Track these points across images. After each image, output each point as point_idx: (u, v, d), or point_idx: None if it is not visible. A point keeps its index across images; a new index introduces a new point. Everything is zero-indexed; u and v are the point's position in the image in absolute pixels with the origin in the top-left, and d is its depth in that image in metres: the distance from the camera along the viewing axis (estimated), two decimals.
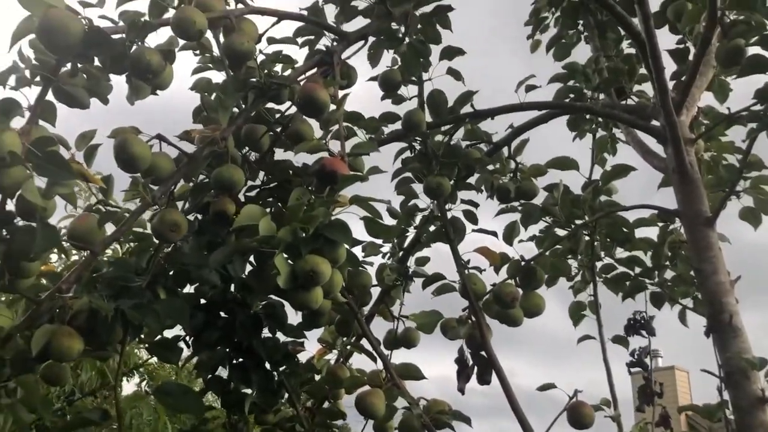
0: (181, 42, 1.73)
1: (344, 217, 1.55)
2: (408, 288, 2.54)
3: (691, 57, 2.41)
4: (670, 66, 2.64)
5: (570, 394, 1.98)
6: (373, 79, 2.38)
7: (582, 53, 3.20)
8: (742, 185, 2.35)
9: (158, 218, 1.65)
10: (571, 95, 2.95)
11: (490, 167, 2.54)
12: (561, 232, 2.55)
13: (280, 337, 2.17)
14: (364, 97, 2.52)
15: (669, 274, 2.54)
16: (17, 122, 1.46)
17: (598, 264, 2.72)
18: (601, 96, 2.85)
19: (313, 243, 1.42)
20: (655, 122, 2.40)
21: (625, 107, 2.58)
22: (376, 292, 2.42)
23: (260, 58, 1.85)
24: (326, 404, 2.23)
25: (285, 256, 1.40)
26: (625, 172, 2.74)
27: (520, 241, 2.40)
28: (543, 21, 3.26)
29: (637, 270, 2.54)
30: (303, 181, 1.67)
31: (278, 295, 1.78)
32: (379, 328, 2.45)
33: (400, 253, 2.63)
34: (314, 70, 1.94)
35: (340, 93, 1.85)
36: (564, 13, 3.10)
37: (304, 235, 1.42)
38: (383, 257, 2.63)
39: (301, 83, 1.84)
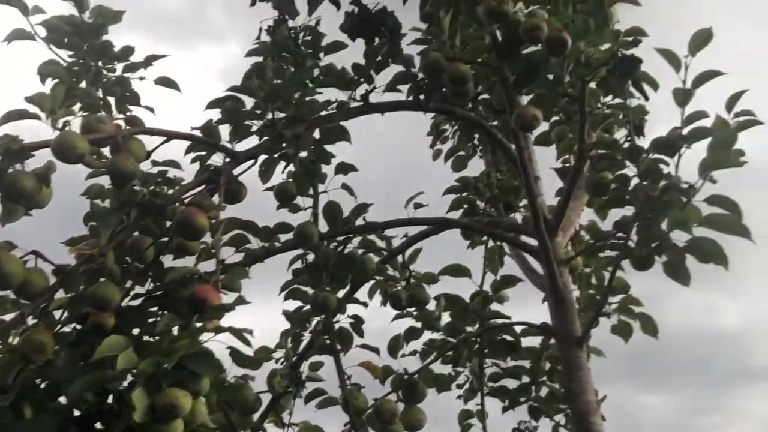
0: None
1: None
2: (300, 394, 2.54)
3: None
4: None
5: None
6: (269, 189, 2.46)
7: (479, 165, 3.38)
8: (610, 307, 2.51)
9: (24, 338, 1.63)
10: (465, 206, 3.11)
11: (384, 275, 2.62)
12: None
13: None
14: (261, 204, 2.59)
15: (547, 389, 2.64)
16: None
17: (487, 371, 2.81)
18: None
19: (174, 375, 1.43)
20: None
21: (509, 223, 2.73)
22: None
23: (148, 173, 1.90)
24: None
25: (144, 390, 1.40)
26: (513, 283, 2.88)
27: (403, 355, 2.46)
28: (443, 133, 3.44)
29: (516, 384, 2.63)
30: (177, 306, 1.69)
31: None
32: None
33: (294, 358, 2.64)
34: (201, 188, 1.99)
35: (222, 215, 1.91)
36: (460, 128, 3.29)
37: (166, 366, 1.43)
38: (276, 362, 2.64)
39: (185, 203, 1.88)
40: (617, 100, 2.44)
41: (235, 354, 1.56)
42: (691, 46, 2.14)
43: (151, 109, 2.29)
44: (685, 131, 2.16)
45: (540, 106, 2.23)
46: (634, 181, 2.22)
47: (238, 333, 1.56)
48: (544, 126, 2.84)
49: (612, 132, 2.51)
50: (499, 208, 2.96)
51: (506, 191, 2.87)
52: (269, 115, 2.07)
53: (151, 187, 1.88)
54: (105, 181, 2.13)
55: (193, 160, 2.14)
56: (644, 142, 2.27)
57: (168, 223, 1.95)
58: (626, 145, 2.22)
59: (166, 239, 1.99)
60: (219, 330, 1.50)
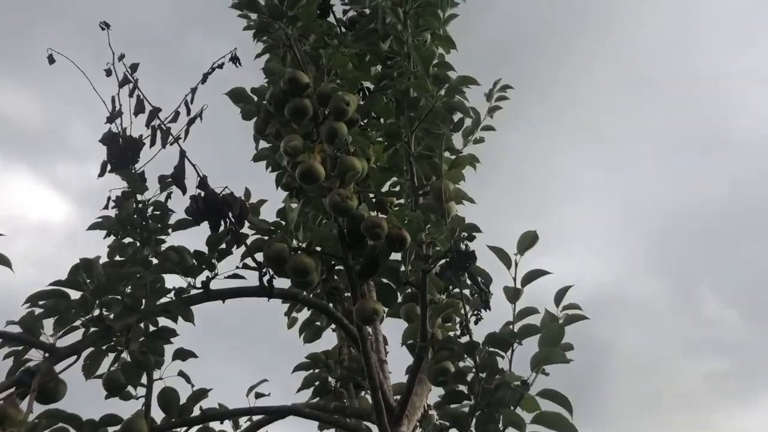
0: None
1: None
2: None
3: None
4: None
5: None
6: (99, 377, 2.30)
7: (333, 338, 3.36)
8: None
9: None
10: (316, 383, 3.04)
11: None
12: None
13: None
14: (95, 391, 2.41)
15: None
16: None
17: None
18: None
19: None
20: None
21: (355, 410, 2.68)
22: None
23: None
24: None
25: None
26: None
27: None
28: (298, 303, 3.42)
29: None
30: None
31: None
32: None
33: None
34: (12, 390, 1.82)
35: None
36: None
37: None
38: None
39: None
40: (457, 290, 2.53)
41: None
42: (519, 247, 2.29)
43: None
44: (516, 327, 2.26)
45: (382, 297, 2.28)
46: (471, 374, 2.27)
47: None
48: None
49: (453, 322, 2.59)
50: (349, 387, 2.91)
51: (354, 372, 2.84)
52: (96, 311, 1.96)
53: None
54: None
55: (6, 356, 1.97)
56: (481, 335, 2.35)
57: None
58: (463, 340, 2.28)
59: None
60: None
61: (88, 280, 1.99)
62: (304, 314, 3.41)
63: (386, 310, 2.63)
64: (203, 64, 2.80)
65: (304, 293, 2.47)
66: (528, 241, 2.29)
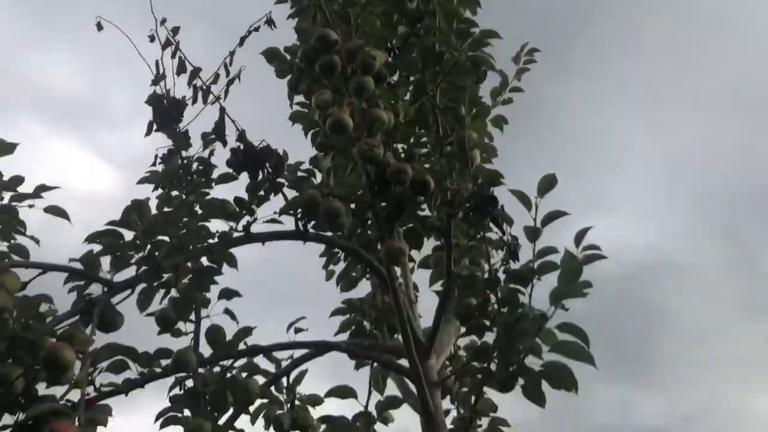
0: None
1: None
2: None
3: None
4: None
5: None
6: (151, 314, 2.52)
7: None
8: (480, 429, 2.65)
9: None
10: (352, 328, 3.23)
11: (270, 398, 2.67)
12: None
13: None
14: (145, 329, 2.63)
15: None
16: None
17: None
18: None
19: None
20: None
21: (387, 346, 2.86)
22: None
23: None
24: None
25: None
26: (397, 404, 2.97)
27: None
28: (335, 255, 3.60)
29: None
30: None
31: None
32: None
33: None
34: (75, 318, 2.05)
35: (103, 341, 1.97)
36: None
37: None
38: None
39: (57, 334, 1.93)
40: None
41: None
42: (539, 189, 2.41)
43: (37, 241, 2.34)
44: (536, 264, 2.39)
45: (408, 240, 2.43)
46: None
47: None
48: (427, 250, 3.05)
49: (479, 263, 2.73)
50: (382, 329, 3.09)
51: (387, 314, 3.02)
52: (148, 248, 2.17)
53: (23, 320, 1.92)
54: None
55: (71, 290, 2.20)
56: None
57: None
58: (486, 276, 2.42)
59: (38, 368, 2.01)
60: None
61: (140, 222, 2.20)
62: (340, 267, 3.61)
63: (412, 256, 2.79)
64: (242, 27, 2.98)
65: (337, 236, 2.64)
66: (547, 183, 2.41)
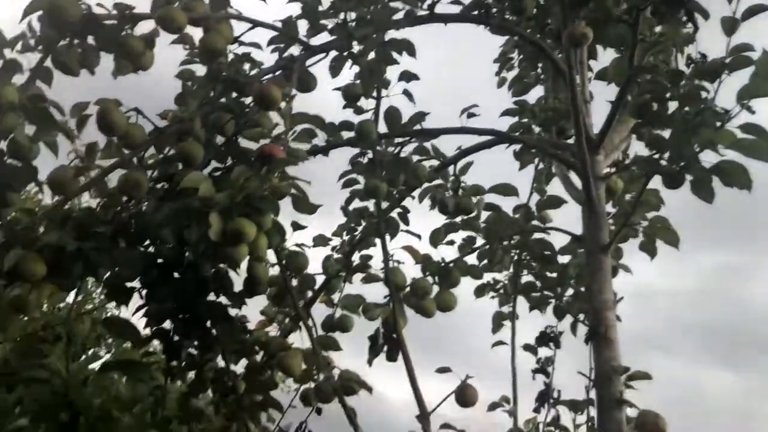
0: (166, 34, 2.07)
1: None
2: (350, 279, 2.85)
3: None
4: None
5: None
6: (338, 89, 2.73)
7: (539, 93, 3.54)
8: (642, 223, 2.70)
9: (124, 176, 1.98)
10: (521, 130, 3.30)
11: (436, 182, 2.87)
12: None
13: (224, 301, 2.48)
14: (333, 102, 2.87)
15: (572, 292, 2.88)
16: (19, 79, 1.79)
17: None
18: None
19: (243, 208, 1.74)
20: None
21: (557, 143, 2.92)
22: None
23: (232, 55, 2.20)
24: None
25: (218, 216, 1.72)
26: (557, 204, 3.08)
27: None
28: (509, 60, 3.61)
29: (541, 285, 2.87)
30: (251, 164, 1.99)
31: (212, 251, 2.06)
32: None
33: (347, 249, 2.94)
34: (278, 72, 2.28)
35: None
36: (526, 56, 3.45)
37: (237, 200, 1.74)
38: (331, 249, 2.96)
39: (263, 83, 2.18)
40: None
41: (296, 198, 1.86)
42: None
43: None
44: (728, 60, 2.28)
45: (592, 26, 2.39)
46: (675, 105, 2.37)
47: (297, 186, 1.85)
48: (605, 61, 2.98)
49: (667, 59, 2.63)
50: (551, 132, 3.13)
51: (561, 115, 3.04)
52: (342, 16, 2.32)
53: (236, 66, 2.17)
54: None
55: (273, 51, 2.42)
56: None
57: (247, 101, 2.25)
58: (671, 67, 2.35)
59: (243, 121, 2.29)
60: (283, 178, 1.79)
61: None
62: (512, 74, 3.62)
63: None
64: None
65: (518, 27, 2.65)
66: None
